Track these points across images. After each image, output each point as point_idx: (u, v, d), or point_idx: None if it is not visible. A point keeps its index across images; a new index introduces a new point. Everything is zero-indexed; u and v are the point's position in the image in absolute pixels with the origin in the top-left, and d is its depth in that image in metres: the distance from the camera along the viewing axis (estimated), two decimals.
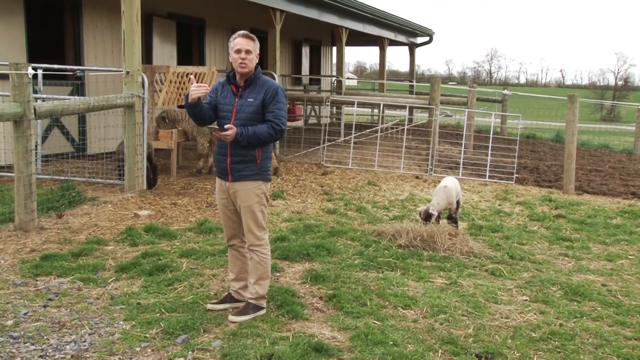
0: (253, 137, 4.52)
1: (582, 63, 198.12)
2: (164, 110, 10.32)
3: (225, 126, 4.51)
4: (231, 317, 4.66)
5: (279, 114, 4.59)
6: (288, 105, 15.68)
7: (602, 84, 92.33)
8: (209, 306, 4.85)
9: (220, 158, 4.69)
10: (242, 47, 4.55)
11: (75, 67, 10.47)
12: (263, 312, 4.78)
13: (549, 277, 5.95)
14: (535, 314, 5.03)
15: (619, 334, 4.70)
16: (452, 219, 7.47)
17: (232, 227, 4.86)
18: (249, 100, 4.60)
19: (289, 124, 15.57)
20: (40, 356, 3.94)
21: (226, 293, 5.03)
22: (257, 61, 4.65)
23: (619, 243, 7.42)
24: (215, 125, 4.64)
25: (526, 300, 5.35)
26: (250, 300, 4.77)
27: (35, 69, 9.15)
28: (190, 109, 4.65)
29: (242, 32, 4.65)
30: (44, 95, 9.19)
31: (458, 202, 7.62)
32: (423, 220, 7.16)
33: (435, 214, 7.22)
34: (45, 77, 9.86)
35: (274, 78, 12.89)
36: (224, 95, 4.71)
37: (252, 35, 4.63)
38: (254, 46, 4.60)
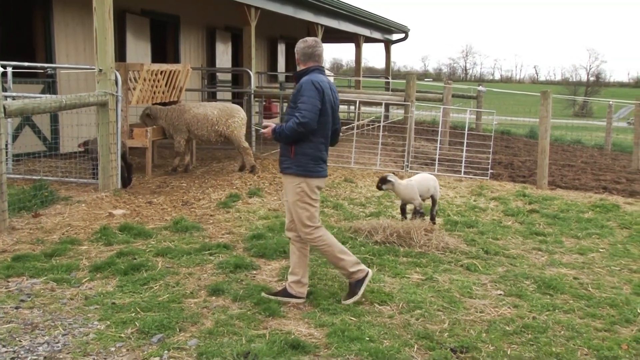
0: (282, 134, 4.82)
1: (555, 59, 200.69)
2: (148, 107, 10.27)
3: (263, 124, 4.94)
4: (343, 302, 4.96)
5: (300, 107, 4.76)
6: (264, 103, 15.68)
7: (574, 79, 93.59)
8: (263, 295, 5.01)
9: None
10: None
11: (46, 65, 10.33)
12: (369, 276, 5.06)
13: (522, 271, 6.02)
14: (509, 307, 5.09)
15: (589, 325, 4.78)
16: (418, 213, 7.48)
17: (288, 218, 5.10)
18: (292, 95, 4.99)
19: (265, 121, 15.54)
20: (12, 358, 3.89)
21: (283, 286, 5.14)
22: (303, 59, 5.00)
23: (590, 237, 7.53)
24: (259, 127, 4.99)
25: (500, 294, 5.41)
26: (349, 281, 5.06)
27: (4, 66, 9.01)
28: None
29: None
30: (14, 94, 9.05)
31: (433, 198, 7.67)
32: (379, 185, 7.31)
33: (392, 180, 7.24)
34: (15, 75, 9.69)
35: (249, 76, 12.88)
36: None
37: (300, 40, 5.09)
38: (296, 47, 5.06)
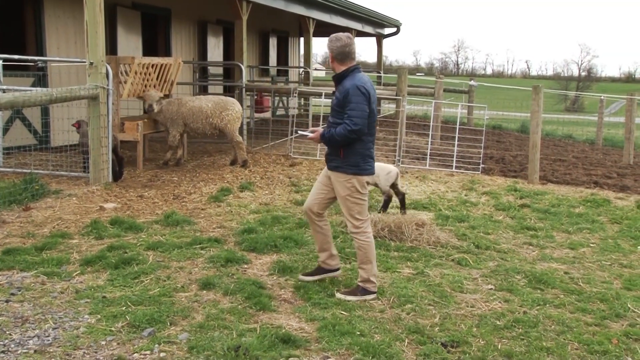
0: (331, 139, 4.95)
1: (547, 54, 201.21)
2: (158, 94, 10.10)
3: (310, 129, 5.19)
4: (338, 295, 5.01)
5: (350, 114, 4.84)
6: (256, 97, 15.65)
7: (566, 74, 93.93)
8: (300, 277, 5.31)
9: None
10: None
11: (36, 58, 10.25)
12: (372, 296, 5.02)
13: (513, 265, 6.04)
14: (499, 302, 5.11)
15: (580, 320, 4.80)
16: None
17: (311, 199, 5.32)
18: (334, 98, 5.07)
19: (256, 115, 15.52)
20: (3, 351, 3.87)
21: (316, 266, 5.42)
22: (340, 58, 4.97)
23: (581, 231, 7.56)
24: (303, 132, 5.31)
25: (491, 289, 5.43)
26: (359, 283, 5.08)
27: None
28: None
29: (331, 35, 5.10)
30: (5, 87, 8.99)
31: (378, 187, 7.88)
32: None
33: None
34: (5, 68, 9.63)
35: (240, 70, 12.84)
36: None
37: (331, 37, 5.02)
38: (330, 46, 5.00)
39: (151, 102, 9.89)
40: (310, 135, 5.13)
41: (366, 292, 5.04)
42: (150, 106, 9.91)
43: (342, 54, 4.96)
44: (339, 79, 5.01)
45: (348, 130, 4.83)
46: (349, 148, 4.95)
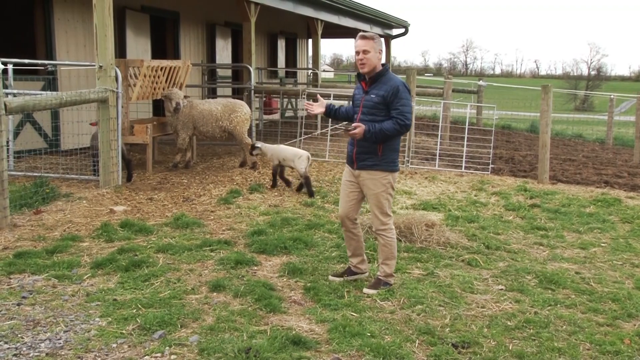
0: (380, 134, 4.96)
1: (556, 53, 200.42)
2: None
3: (353, 124, 5.02)
4: (365, 290, 5.17)
5: (402, 110, 4.96)
6: (264, 99, 15.67)
7: (575, 74, 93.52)
8: (330, 278, 5.43)
9: (349, 147, 5.28)
10: (360, 48, 5.00)
11: (46, 62, 10.31)
12: (390, 285, 5.28)
13: (524, 266, 6.02)
14: (510, 302, 5.09)
15: (591, 320, 4.77)
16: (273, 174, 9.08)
17: (345, 207, 5.34)
18: (371, 95, 5.06)
19: (265, 117, 15.54)
20: (15, 355, 3.89)
21: (346, 267, 5.55)
22: (379, 57, 5.04)
23: (592, 231, 7.52)
24: (343, 126, 5.31)
25: (502, 289, 5.40)
26: (380, 277, 5.27)
27: (5, 63, 9.01)
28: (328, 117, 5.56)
29: (360, 33, 5.10)
30: (15, 91, 9.05)
31: (296, 169, 8.79)
32: (251, 151, 9.37)
33: (259, 145, 9.13)
34: (15, 72, 9.69)
35: (249, 72, 12.86)
36: (357, 92, 5.26)
37: (371, 35, 5.06)
38: (373, 45, 4.98)
39: (178, 100, 9.91)
40: (354, 131, 4.96)
41: (387, 284, 5.26)
42: (178, 104, 9.89)
43: (381, 52, 5.09)
44: (377, 76, 5.05)
45: (401, 125, 4.95)
46: (388, 145, 5.08)
